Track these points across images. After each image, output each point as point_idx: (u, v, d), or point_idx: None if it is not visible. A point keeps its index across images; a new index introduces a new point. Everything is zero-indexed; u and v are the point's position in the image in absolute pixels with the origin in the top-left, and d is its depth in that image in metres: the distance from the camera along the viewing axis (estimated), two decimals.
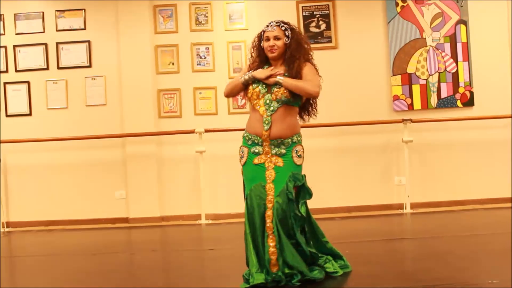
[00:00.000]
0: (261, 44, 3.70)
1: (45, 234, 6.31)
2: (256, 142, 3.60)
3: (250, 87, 3.64)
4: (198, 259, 4.70)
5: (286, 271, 3.44)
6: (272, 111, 3.56)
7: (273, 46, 3.61)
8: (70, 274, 4.29)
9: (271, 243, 3.47)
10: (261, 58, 3.71)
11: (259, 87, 3.60)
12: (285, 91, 3.55)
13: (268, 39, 3.63)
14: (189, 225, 6.37)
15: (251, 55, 3.80)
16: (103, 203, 6.73)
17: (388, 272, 3.80)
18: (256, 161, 3.59)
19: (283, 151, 3.59)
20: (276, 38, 3.61)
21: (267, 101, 3.58)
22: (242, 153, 3.67)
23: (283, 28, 3.64)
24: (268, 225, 3.48)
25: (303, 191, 3.58)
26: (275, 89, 3.57)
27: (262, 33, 3.70)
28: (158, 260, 4.79)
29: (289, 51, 3.62)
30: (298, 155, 3.62)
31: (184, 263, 4.47)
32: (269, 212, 3.48)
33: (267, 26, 3.67)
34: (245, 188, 3.64)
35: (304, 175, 3.65)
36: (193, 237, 5.83)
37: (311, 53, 3.75)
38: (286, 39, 3.63)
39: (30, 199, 6.75)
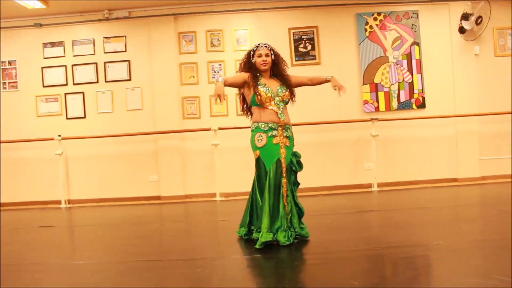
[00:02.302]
0: (252, 60, 3.77)
1: (96, 209, 6.34)
2: (274, 127, 3.67)
3: (263, 93, 3.65)
4: (213, 227, 4.72)
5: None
6: (282, 108, 3.73)
7: (265, 61, 3.73)
8: (116, 239, 4.33)
9: (286, 202, 3.62)
10: (253, 70, 3.75)
11: (269, 93, 3.67)
12: (288, 94, 3.74)
13: (260, 56, 3.73)
14: (207, 202, 6.38)
15: (240, 69, 3.85)
16: (140, 184, 6.74)
17: (359, 236, 3.81)
18: (274, 141, 3.66)
19: (289, 134, 3.75)
20: (267, 55, 3.74)
21: (277, 102, 3.70)
22: (261, 137, 3.66)
23: (269, 49, 3.78)
24: (285, 188, 3.62)
25: (298, 164, 3.77)
26: (282, 94, 3.72)
27: (253, 52, 3.78)
28: (182, 228, 4.81)
29: (278, 68, 3.80)
30: (293, 138, 3.82)
31: (202, 231, 4.50)
32: (284, 180, 3.63)
33: (257, 46, 3.77)
34: (265, 163, 3.62)
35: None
36: (210, 210, 5.84)
37: (286, 65, 3.89)
38: (273, 56, 3.77)
39: (85, 182, 6.77)
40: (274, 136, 3.66)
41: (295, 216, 3.66)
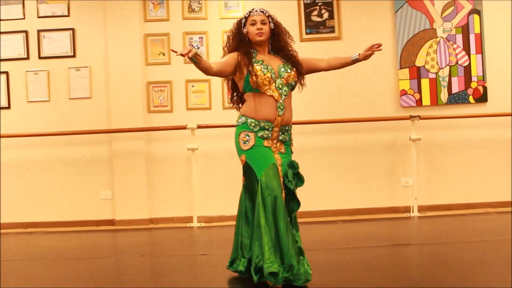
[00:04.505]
0: (243, 30, 3.85)
1: (24, 237, 6.30)
2: (267, 127, 3.72)
3: (260, 73, 3.70)
4: (189, 265, 4.70)
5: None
6: (284, 95, 3.76)
7: (261, 29, 3.80)
8: (51, 281, 4.27)
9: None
10: (244, 44, 3.82)
11: (269, 73, 3.72)
12: (294, 75, 3.80)
13: (254, 23, 3.81)
14: (180, 228, 6.37)
15: (228, 44, 3.92)
16: (87, 204, 6.73)
17: (393, 279, 3.81)
18: (266, 144, 3.73)
19: (286, 138, 3.83)
20: (263, 22, 3.82)
21: (279, 86, 3.75)
22: (248, 137, 3.73)
23: (267, 15, 3.86)
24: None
25: (297, 177, 3.80)
26: (286, 74, 3.77)
27: (244, 19, 3.87)
28: (146, 265, 4.78)
29: (278, 40, 3.87)
30: (292, 143, 3.92)
31: (175, 269, 4.46)
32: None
33: (250, 12, 3.86)
34: (255, 170, 3.65)
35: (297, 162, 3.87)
36: (184, 241, 5.83)
37: (291, 37, 3.97)
38: (271, 25, 3.85)
39: (8, 199, 6.74)
40: (265, 138, 3.73)
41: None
